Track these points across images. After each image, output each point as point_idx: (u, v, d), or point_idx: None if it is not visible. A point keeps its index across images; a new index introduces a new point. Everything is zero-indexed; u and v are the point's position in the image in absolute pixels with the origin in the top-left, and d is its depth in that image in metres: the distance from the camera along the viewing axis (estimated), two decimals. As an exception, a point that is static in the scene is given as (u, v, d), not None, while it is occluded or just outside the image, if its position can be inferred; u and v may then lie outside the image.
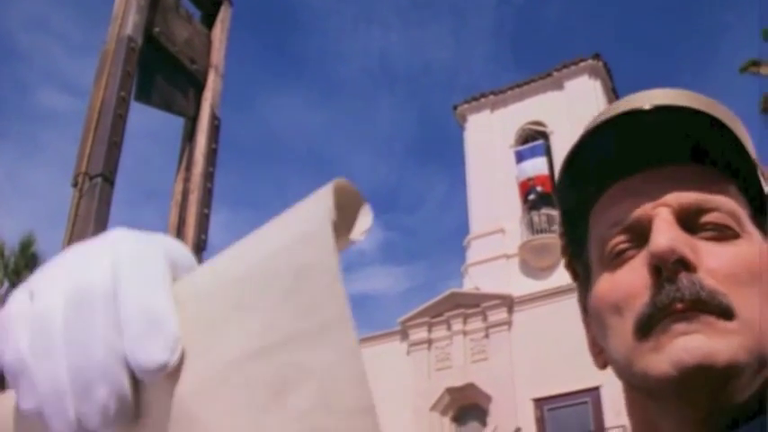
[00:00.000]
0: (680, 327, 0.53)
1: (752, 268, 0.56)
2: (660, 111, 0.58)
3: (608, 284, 0.60)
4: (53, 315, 0.35)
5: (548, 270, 17.45)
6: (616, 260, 0.60)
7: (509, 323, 17.07)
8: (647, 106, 0.58)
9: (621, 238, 0.60)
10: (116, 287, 0.35)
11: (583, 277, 0.67)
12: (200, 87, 2.86)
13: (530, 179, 18.31)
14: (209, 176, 2.81)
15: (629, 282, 0.58)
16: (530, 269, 17.91)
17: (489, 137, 20.57)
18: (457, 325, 17.49)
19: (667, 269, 0.55)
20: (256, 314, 0.33)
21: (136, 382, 0.35)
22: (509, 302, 17.19)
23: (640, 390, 0.58)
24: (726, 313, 0.53)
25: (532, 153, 18.72)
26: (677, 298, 0.54)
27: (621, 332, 0.57)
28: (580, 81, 19.82)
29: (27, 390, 0.35)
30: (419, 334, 17.80)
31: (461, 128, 21.70)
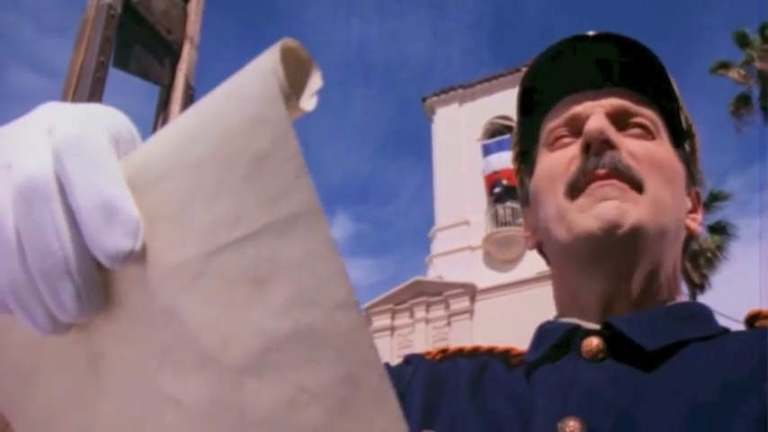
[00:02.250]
0: (601, 192, 0.65)
1: (662, 161, 0.68)
2: (605, 39, 0.71)
3: (546, 163, 0.72)
4: (2, 218, 0.34)
5: (511, 263, 17.52)
6: (555, 144, 0.72)
7: (471, 312, 17.15)
8: (591, 33, 0.71)
9: (562, 128, 0.72)
10: (61, 177, 0.34)
11: (527, 174, 0.79)
12: (175, 57, 2.95)
13: (496, 172, 18.34)
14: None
15: (563, 157, 0.70)
16: (493, 261, 17.97)
17: (457, 130, 20.56)
18: (420, 312, 17.54)
19: (595, 146, 0.67)
20: (221, 203, 0.31)
21: (103, 269, 0.34)
22: (471, 291, 17.27)
23: (565, 253, 0.69)
24: (637, 185, 0.65)
25: (499, 147, 18.81)
26: (600, 165, 0.66)
27: (554, 196, 0.69)
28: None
29: None
30: (382, 321, 17.81)
31: (430, 120, 21.74)
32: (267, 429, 0.30)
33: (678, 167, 0.71)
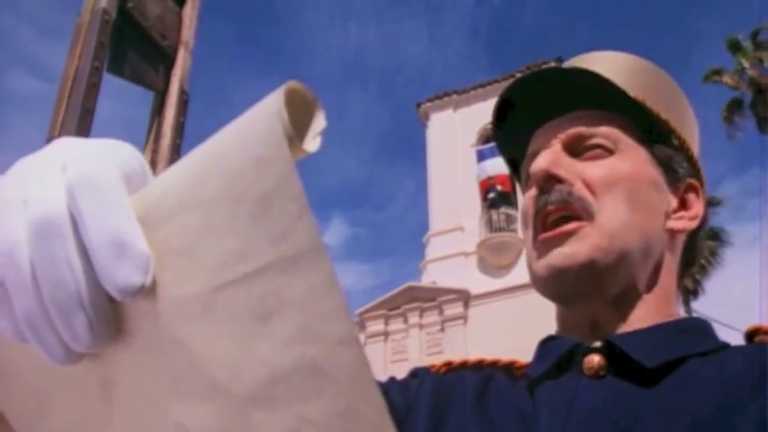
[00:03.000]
0: (550, 243, 0.68)
1: (618, 176, 0.70)
2: (572, 72, 0.74)
3: (522, 202, 0.76)
4: (18, 252, 0.35)
5: (505, 268, 17.51)
6: (528, 183, 0.75)
7: (465, 318, 17.14)
8: (552, 66, 0.74)
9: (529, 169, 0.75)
10: (74, 213, 0.35)
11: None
12: (170, 63, 2.95)
13: (490, 178, 18.34)
14: (176, 149, 2.90)
15: (526, 202, 0.74)
16: (487, 267, 17.97)
17: (451, 136, 20.59)
18: (413, 318, 17.52)
19: (542, 185, 0.70)
20: (229, 239, 0.32)
21: (114, 301, 0.36)
22: (465, 297, 17.27)
23: (546, 296, 0.72)
24: (588, 214, 0.68)
25: (493, 153, 18.75)
26: (549, 202, 0.69)
27: (527, 242, 0.73)
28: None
29: (8, 323, 0.36)
30: (376, 326, 17.79)
31: (424, 126, 21.77)
32: None
33: (646, 174, 0.72)
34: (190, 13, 3.02)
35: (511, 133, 0.81)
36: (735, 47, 19.69)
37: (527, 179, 0.75)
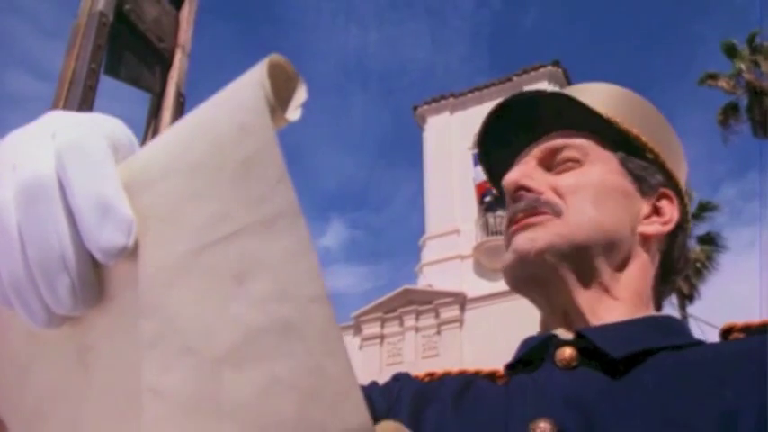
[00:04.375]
0: (514, 232, 0.74)
1: (587, 184, 0.74)
2: (550, 97, 0.80)
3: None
4: (6, 214, 0.36)
5: (501, 272, 17.53)
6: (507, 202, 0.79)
7: (461, 321, 17.15)
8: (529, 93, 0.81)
9: None
10: (62, 178, 0.36)
11: None
12: (166, 65, 2.96)
13: (486, 182, 18.26)
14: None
15: (506, 215, 0.78)
16: (483, 270, 17.99)
17: (448, 139, 20.64)
18: (409, 321, 17.54)
19: (513, 195, 0.75)
20: (209, 204, 0.33)
21: (97, 265, 0.37)
22: (461, 300, 17.28)
23: (514, 289, 0.77)
24: (556, 213, 0.72)
25: (490, 156, 18.76)
26: (518, 209, 0.74)
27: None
28: (539, 86, 19.98)
29: None
30: (372, 329, 17.80)
31: (421, 129, 21.80)
32: (242, 418, 0.32)
33: (614, 182, 0.76)
34: (187, 15, 3.02)
35: (493, 158, 0.88)
36: (731, 51, 19.73)
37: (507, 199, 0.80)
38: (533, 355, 0.70)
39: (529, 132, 0.81)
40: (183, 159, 0.35)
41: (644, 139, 0.79)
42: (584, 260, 0.71)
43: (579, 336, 0.67)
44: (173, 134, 0.36)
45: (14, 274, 0.36)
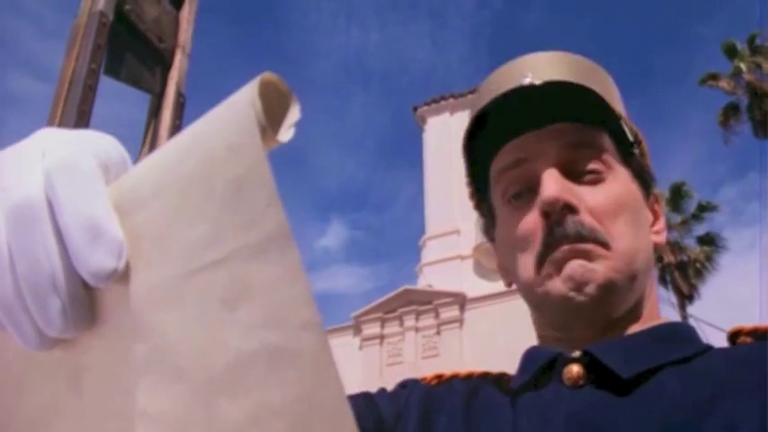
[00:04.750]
0: (566, 256, 0.67)
1: (619, 202, 0.70)
2: (547, 85, 0.70)
3: (511, 226, 0.73)
4: None
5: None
6: (515, 202, 0.73)
7: (461, 321, 17.11)
8: (537, 82, 0.70)
9: (516, 185, 0.73)
10: (51, 198, 0.36)
11: (487, 214, 0.81)
12: (166, 65, 2.96)
13: (486, 182, 18.33)
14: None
15: (526, 225, 0.71)
16: (483, 271, 17.94)
17: (448, 139, 20.61)
18: (409, 321, 17.47)
19: (555, 214, 0.68)
20: (200, 226, 0.33)
21: (89, 286, 0.36)
22: (461, 300, 17.24)
23: (542, 315, 0.73)
24: (603, 245, 0.67)
25: (490, 156, 18.76)
26: (564, 236, 0.67)
27: (524, 266, 0.71)
28: (538, 87, 19.92)
29: None
30: (372, 329, 17.76)
31: (421, 129, 21.79)
32: None
33: (633, 194, 0.72)
34: (187, 15, 3.02)
35: (481, 147, 0.78)
36: (731, 51, 19.75)
37: (510, 194, 0.74)
38: (540, 372, 0.68)
39: (524, 120, 0.73)
40: (174, 179, 0.34)
41: (635, 129, 0.75)
42: (633, 291, 0.68)
43: (586, 353, 0.65)
44: (164, 153, 0.36)
45: (4, 296, 0.35)
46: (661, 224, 0.76)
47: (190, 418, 0.33)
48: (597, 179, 0.71)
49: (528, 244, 0.70)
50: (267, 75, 0.34)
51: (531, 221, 0.70)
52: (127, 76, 2.77)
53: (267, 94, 0.33)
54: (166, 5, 2.98)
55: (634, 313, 0.70)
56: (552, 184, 0.68)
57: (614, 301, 0.67)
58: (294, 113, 0.35)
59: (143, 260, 0.35)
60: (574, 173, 0.71)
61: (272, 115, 0.34)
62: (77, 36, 2.52)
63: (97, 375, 0.37)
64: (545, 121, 0.73)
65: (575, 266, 0.66)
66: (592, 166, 0.71)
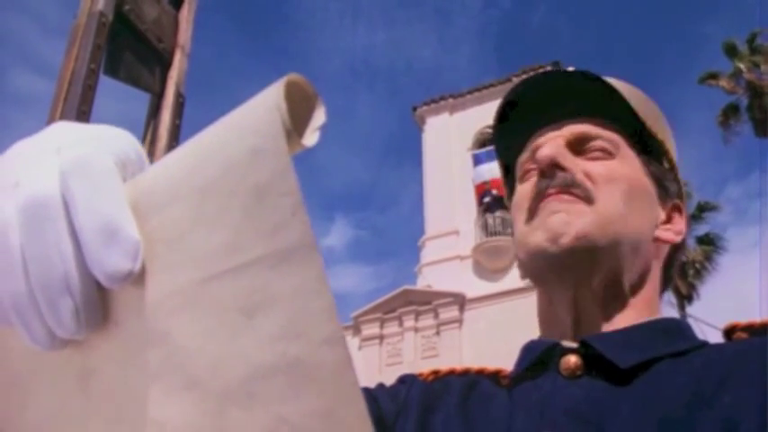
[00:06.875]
0: (548, 207, 0.69)
1: (619, 176, 0.72)
2: (570, 74, 0.75)
3: (517, 195, 0.77)
4: (8, 234, 0.35)
5: (501, 272, 17.51)
6: (524, 177, 0.77)
7: (460, 321, 17.13)
8: (557, 70, 0.76)
9: (529, 162, 0.77)
10: (66, 197, 0.35)
11: (510, 197, 0.83)
12: (166, 65, 2.96)
13: (485, 182, 18.32)
14: (172, 150, 2.91)
15: (525, 188, 0.75)
16: (483, 271, 17.97)
17: (447, 139, 20.62)
18: (409, 321, 17.50)
19: (545, 170, 0.71)
20: (220, 232, 0.32)
21: (102, 288, 0.35)
22: (461, 301, 17.26)
23: (527, 273, 0.74)
24: (587, 199, 0.69)
25: (489, 157, 18.78)
26: (551, 185, 0.70)
27: (519, 222, 0.74)
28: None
29: None
30: (371, 329, 17.77)
31: (420, 129, 21.79)
32: None
33: (642, 182, 0.74)
34: (186, 15, 3.02)
35: (508, 136, 0.82)
36: (731, 51, 19.73)
37: (524, 173, 0.78)
38: (537, 363, 0.68)
39: (544, 112, 0.77)
40: (194, 182, 0.33)
41: (666, 145, 0.78)
42: (612, 256, 0.69)
43: (583, 343, 0.66)
44: (183, 154, 0.35)
45: (16, 295, 0.35)
46: (675, 228, 0.76)
47: (201, 428, 0.32)
48: (603, 156, 0.74)
49: (524, 203, 0.74)
50: (293, 76, 0.33)
51: (530, 184, 0.74)
52: (126, 75, 2.77)
53: (292, 95, 0.32)
54: (166, 5, 2.98)
55: (623, 292, 0.70)
56: (547, 147, 0.73)
57: (587, 258, 0.68)
58: (320, 116, 0.35)
59: (159, 264, 0.34)
60: (582, 150, 0.75)
61: (296, 118, 0.33)
62: (77, 36, 2.52)
63: (106, 378, 0.37)
64: (570, 114, 0.77)
65: (554, 219, 0.68)
66: (601, 144, 0.74)
